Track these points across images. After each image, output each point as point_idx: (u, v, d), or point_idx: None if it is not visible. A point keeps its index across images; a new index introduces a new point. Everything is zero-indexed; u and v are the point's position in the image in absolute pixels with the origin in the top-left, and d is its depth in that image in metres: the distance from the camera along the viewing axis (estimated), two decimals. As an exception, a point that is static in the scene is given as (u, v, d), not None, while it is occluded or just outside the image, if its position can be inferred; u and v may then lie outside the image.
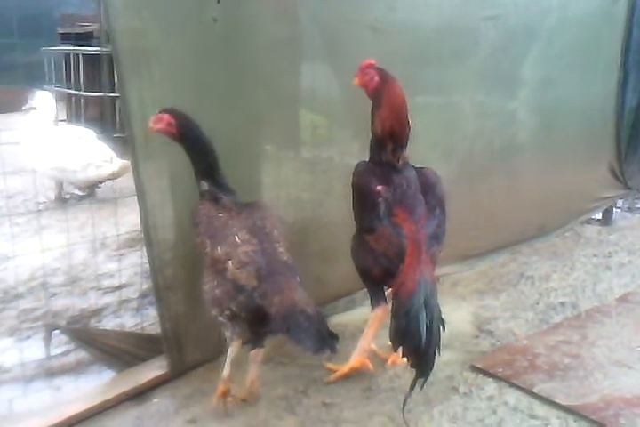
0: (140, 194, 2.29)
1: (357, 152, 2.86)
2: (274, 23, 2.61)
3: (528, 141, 4.00)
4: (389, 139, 2.35)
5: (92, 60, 6.16)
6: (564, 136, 4.17)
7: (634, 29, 4.50)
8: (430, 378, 2.09)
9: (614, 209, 4.98)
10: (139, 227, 2.45)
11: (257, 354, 2.28)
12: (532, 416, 2.31)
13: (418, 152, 2.59)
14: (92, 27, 6.65)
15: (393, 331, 2.06)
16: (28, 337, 2.96)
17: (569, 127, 4.21)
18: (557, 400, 2.37)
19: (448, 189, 2.48)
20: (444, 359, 2.21)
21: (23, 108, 4.75)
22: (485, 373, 2.58)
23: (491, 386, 2.50)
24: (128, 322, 3.06)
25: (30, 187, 4.45)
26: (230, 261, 2.08)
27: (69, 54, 6.64)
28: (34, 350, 2.82)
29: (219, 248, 2.11)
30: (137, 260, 3.16)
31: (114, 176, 4.61)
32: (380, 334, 2.50)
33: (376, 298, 2.49)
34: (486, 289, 3.51)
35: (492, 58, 3.57)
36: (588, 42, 4.17)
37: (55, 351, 2.82)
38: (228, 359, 2.21)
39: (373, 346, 2.62)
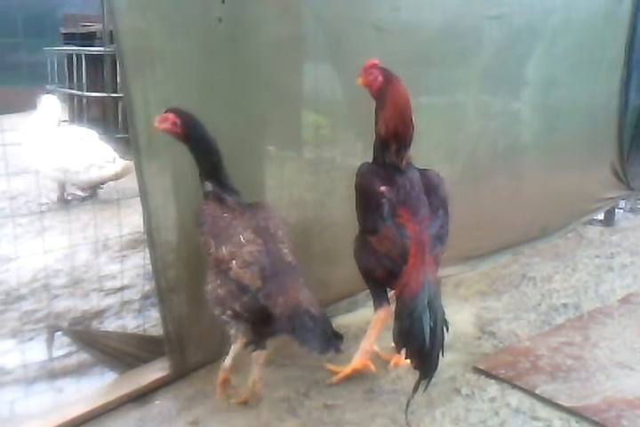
0: (143, 195, 2.29)
1: (360, 152, 2.86)
2: (278, 23, 2.61)
3: (531, 142, 4.00)
4: (393, 139, 2.35)
5: (94, 60, 6.16)
6: (567, 137, 4.16)
7: (638, 29, 4.49)
8: (433, 379, 2.09)
9: (617, 210, 4.97)
10: (141, 228, 2.45)
11: (259, 356, 2.27)
12: (535, 418, 2.30)
13: (421, 153, 2.59)
14: (94, 27, 6.66)
15: (397, 332, 2.06)
16: (31, 339, 2.97)
17: (572, 128, 4.20)
18: (560, 402, 2.37)
19: (451, 189, 2.47)
20: (447, 361, 2.20)
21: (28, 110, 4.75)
22: (488, 374, 2.57)
23: (493, 388, 2.50)
24: (130, 324, 3.06)
25: (33, 188, 4.44)
26: (234, 261, 2.08)
27: (72, 54, 6.65)
28: (36, 351, 2.82)
29: (223, 248, 2.11)
30: (139, 261, 3.16)
31: (116, 177, 4.61)
32: (382, 336, 2.50)
33: (379, 299, 2.48)
34: (488, 290, 3.50)
35: (495, 58, 3.56)
36: (591, 41, 4.16)
37: (57, 353, 2.82)
38: (231, 353, 2.20)
39: (376, 348, 2.61)
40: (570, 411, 2.32)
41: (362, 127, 2.66)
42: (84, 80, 6.30)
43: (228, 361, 2.23)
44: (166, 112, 2.19)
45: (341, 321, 2.97)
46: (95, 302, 3.25)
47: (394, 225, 2.28)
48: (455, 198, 2.48)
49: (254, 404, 2.32)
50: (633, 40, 4.49)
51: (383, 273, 2.36)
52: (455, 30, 3.29)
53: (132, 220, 3.43)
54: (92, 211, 4.05)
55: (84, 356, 2.71)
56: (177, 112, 2.19)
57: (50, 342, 2.81)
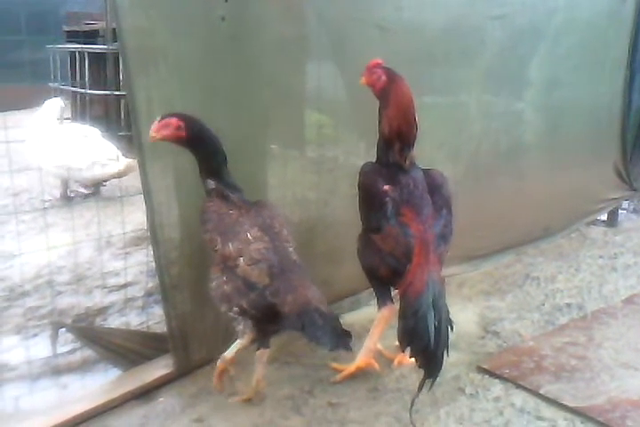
0: (147, 192, 2.29)
1: (363, 152, 2.86)
2: (281, 22, 2.61)
3: (534, 142, 3.99)
4: (397, 138, 2.35)
5: (97, 58, 6.16)
6: (570, 137, 4.15)
7: (641, 29, 4.49)
8: (437, 379, 2.09)
9: (620, 210, 4.96)
10: (144, 225, 2.46)
11: (262, 354, 2.27)
12: (539, 418, 2.30)
13: (424, 152, 2.58)
14: (97, 25, 6.65)
15: (401, 331, 2.06)
16: (34, 335, 2.97)
17: (575, 128, 4.20)
18: (564, 402, 2.37)
19: (454, 189, 2.47)
20: (451, 360, 2.20)
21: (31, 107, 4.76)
22: (492, 374, 2.57)
23: (497, 387, 2.50)
24: (134, 320, 3.06)
25: (36, 185, 4.46)
26: (242, 258, 2.08)
27: (75, 52, 6.65)
28: (40, 348, 2.83)
29: (230, 245, 2.11)
30: (143, 258, 3.17)
31: (119, 174, 4.61)
32: (386, 335, 2.50)
33: (382, 298, 2.48)
34: (492, 290, 3.50)
35: (498, 57, 3.56)
36: (595, 42, 4.15)
37: (61, 350, 2.82)
38: (235, 347, 2.20)
39: (379, 346, 2.61)
40: (574, 411, 2.32)
41: (365, 126, 2.67)
42: (86, 78, 6.30)
43: (229, 353, 2.21)
44: (164, 118, 2.13)
45: (345, 319, 2.95)
46: (99, 298, 3.25)
47: (397, 224, 2.28)
48: (458, 198, 2.49)
49: (258, 402, 2.32)
50: (636, 40, 4.48)
51: (387, 272, 2.36)
52: (458, 30, 3.28)
53: (136, 217, 3.43)
54: (96, 208, 4.06)
55: (87, 353, 2.71)
56: (179, 116, 2.15)
57: (54, 338, 2.82)
